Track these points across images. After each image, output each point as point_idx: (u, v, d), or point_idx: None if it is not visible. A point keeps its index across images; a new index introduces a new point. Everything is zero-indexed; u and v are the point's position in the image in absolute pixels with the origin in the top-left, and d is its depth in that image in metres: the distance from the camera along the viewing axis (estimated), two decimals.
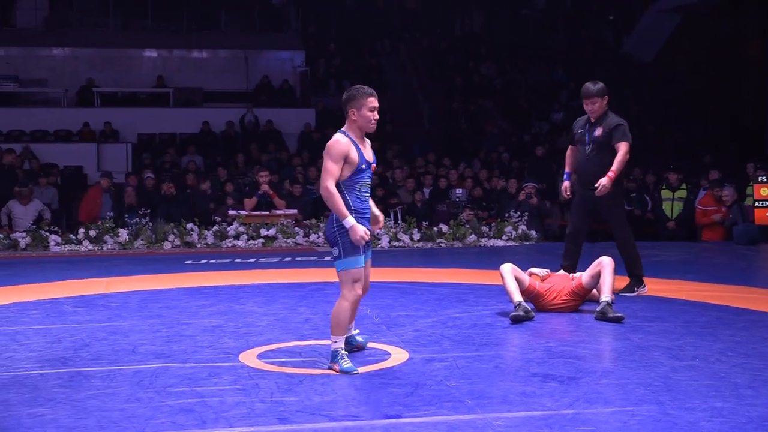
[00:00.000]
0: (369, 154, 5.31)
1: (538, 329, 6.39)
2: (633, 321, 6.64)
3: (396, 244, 12.82)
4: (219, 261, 11.07)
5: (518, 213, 13.47)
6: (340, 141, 5.17)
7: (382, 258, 11.50)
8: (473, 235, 13.05)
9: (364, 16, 24.41)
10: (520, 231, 13.19)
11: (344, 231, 5.12)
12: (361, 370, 5.16)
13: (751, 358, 5.41)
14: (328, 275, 9.34)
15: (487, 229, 13.28)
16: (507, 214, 13.61)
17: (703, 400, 4.50)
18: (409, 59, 23.03)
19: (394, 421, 4.21)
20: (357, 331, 5.80)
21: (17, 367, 5.30)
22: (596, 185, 7.50)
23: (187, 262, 11.09)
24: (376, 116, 5.27)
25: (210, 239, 12.66)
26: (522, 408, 4.38)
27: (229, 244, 12.58)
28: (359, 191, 5.24)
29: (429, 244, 12.88)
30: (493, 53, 23.49)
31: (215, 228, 12.81)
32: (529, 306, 6.83)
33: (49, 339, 6.15)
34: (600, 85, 7.73)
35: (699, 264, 10.54)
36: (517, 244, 12.96)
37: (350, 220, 5.09)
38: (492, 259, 11.28)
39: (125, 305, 7.63)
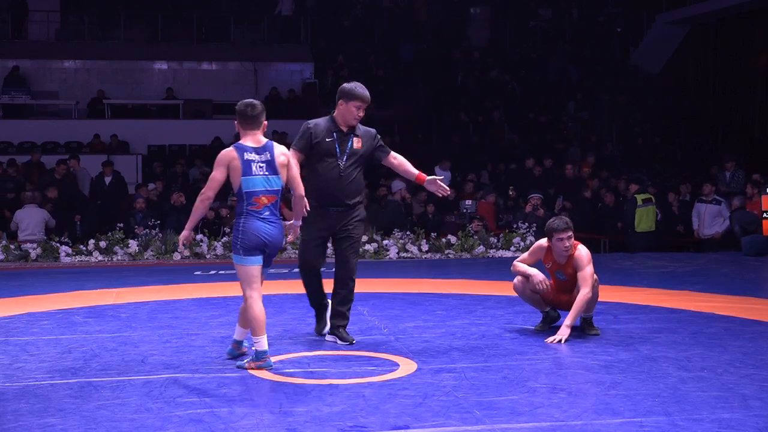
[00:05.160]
0: None
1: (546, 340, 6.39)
2: (641, 332, 6.64)
3: (404, 255, 12.84)
4: (228, 272, 11.07)
5: (526, 224, 13.48)
6: None
7: (390, 269, 11.52)
8: (481, 246, 13.07)
9: (372, 27, 24.49)
10: (528, 242, 13.20)
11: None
12: (371, 380, 5.17)
13: (759, 369, 5.40)
14: None
15: (495, 240, 13.30)
16: (515, 225, 13.63)
17: (711, 411, 4.50)
18: (418, 71, 23.07)
19: (402, 431, 4.22)
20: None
21: (28, 378, 5.33)
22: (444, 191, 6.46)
23: (196, 272, 11.13)
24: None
25: (219, 250, 12.70)
26: (530, 419, 4.39)
27: None
28: None
29: (437, 255, 12.90)
30: (501, 64, 23.54)
31: (225, 239, 12.85)
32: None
33: (59, 349, 6.18)
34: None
35: (707, 275, 10.52)
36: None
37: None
38: (500, 270, 11.29)
39: (135, 316, 7.66)
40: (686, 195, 15.83)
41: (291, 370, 5.47)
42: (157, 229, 12.98)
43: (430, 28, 24.63)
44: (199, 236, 12.83)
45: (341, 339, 6.37)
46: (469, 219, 14.15)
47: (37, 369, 5.57)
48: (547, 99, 22.13)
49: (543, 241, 6.73)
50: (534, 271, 6.68)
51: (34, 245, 12.65)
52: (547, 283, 6.66)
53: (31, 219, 13.47)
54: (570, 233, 6.53)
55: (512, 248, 13.12)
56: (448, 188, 6.55)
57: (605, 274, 9.50)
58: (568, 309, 6.56)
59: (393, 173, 16.59)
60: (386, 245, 12.91)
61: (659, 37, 24.12)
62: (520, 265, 6.80)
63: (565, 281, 6.69)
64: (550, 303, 6.82)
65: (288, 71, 22.71)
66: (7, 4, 22.39)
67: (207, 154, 18.54)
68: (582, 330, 6.62)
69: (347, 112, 6.34)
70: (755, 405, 4.60)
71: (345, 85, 6.45)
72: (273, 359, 5.75)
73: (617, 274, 10.30)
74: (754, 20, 22.11)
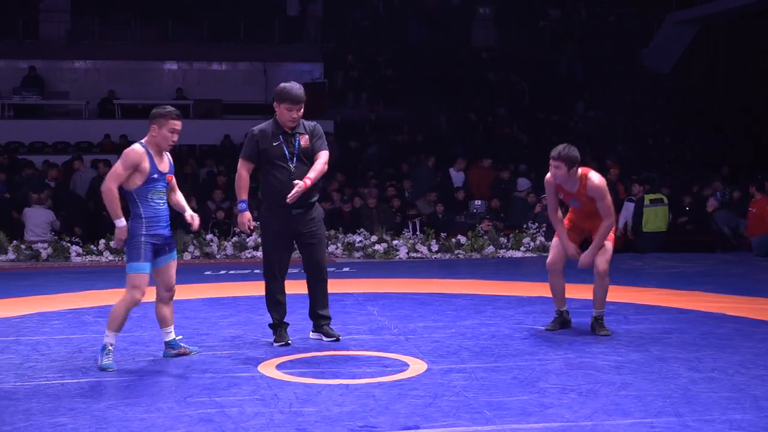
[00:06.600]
0: (164, 166, 5.77)
1: (556, 340, 6.39)
2: (652, 332, 6.63)
3: (414, 255, 12.84)
4: (238, 272, 11.12)
5: (536, 224, 13.47)
6: (135, 150, 5.69)
7: (400, 269, 11.53)
8: (491, 246, 13.06)
9: (381, 28, 24.53)
10: (537, 242, 13.18)
11: (131, 239, 5.61)
12: (381, 380, 5.18)
13: None
14: (347, 286, 9.39)
15: (505, 240, 13.29)
16: (525, 225, 13.61)
17: (722, 412, 4.48)
18: (426, 70, 23.07)
19: (412, 431, 4.22)
20: (180, 336, 6.06)
21: (39, 377, 5.35)
22: (290, 198, 6.12)
23: (206, 272, 11.15)
24: (175, 138, 5.77)
25: (229, 250, 12.73)
26: (540, 419, 4.38)
27: (249, 255, 12.63)
28: (151, 200, 5.68)
29: (447, 255, 12.89)
30: (510, 64, 23.52)
31: (235, 239, 12.87)
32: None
33: (70, 349, 6.21)
34: (302, 88, 6.41)
35: (717, 275, 10.49)
36: (534, 255, 12.95)
37: (121, 221, 5.58)
38: (510, 270, 11.30)
39: (145, 316, 7.65)
40: (697, 194, 15.78)
41: (301, 370, 5.47)
42: None
43: (440, 26, 24.64)
44: (209, 236, 12.85)
45: (327, 335, 6.43)
46: (479, 219, 14.14)
47: (48, 368, 5.59)
48: (556, 99, 22.10)
49: (548, 176, 6.65)
50: (567, 244, 6.62)
51: (45, 245, 12.68)
52: (579, 253, 6.62)
53: (37, 219, 13.48)
54: (558, 163, 6.40)
55: (522, 248, 13.10)
56: (293, 195, 6.13)
57: (615, 275, 9.48)
58: (589, 235, 6.66)
59: (402, 174, 16.68)
60: (396, 245, 12.91)
61: (669, 38, 24.07)
62: (559, 228, 6.71)
63: (580, 207, 6.64)
64: (575, 239, 6.72)
65: (297, 71, 22.70)
66: (18, 4, 22.47)
67: (217, 154, 18.61)
68: (592, 330, 6.62)
69: (281, 114, 6.28)
70: (766, 406, 4.58)
71: (280, 85, 6.37)
72: (283, 359, 5.77)
73: (627, 275, 10.28)
74: (763, 20, 22.03)
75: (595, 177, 6.49)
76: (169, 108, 5.81)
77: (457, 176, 15.99)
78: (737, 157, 19.68)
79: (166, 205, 5.80)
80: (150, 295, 5.93)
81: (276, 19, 23.58)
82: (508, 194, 15.59)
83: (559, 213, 6.77)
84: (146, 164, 5.64)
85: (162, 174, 5.72)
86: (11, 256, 12.57)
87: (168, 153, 5.87)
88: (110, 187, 5.58)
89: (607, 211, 6.46)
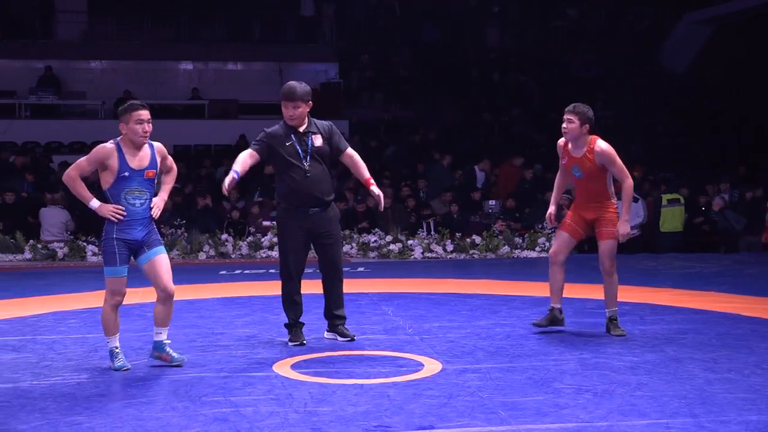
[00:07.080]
0: (139, 162, 5.56)
1: (571, 340, 6.37)
2: (667, 333, 6.60)
3: (429, 255, 12.84)
4: (253, 271, 11.14)
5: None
6: (103, 146, 5.55)
7: (414, 269, 11.52)
8: (506, 247, 13.04)
9: (396, 28, 24.55)
10: (552, 242, 13.15)
11: (103, 242, 5.54)
12: (396, 380, 5.18)
13: None
14: (362, 286, 9.40)
15: (520, 241, 13.26)
16: (540, 225, 13.58)
17: (738, 413, 4.46)
18: (441, 70, 23.06)
19: (427, 431, 4.22)
20: (168, 341, 5.72)
21: (55, 376, 5.38)
22: (383, 201, 6.42)
23: (221, 272, 11.17)
24: (146, 128, 5.57)
25: (244, 250, 12.75)
26: (555, 420, 4.37)
27: (264, 255, 12.66)
28: (126, 200, 5.52)
29: (462, 256, 12.88)
30: (525, 64, 23.47)
31: (250, 239, 12.90)
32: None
33: (86, 348, 6.24)
34: (306, 87, 6.42)
35: (732, 276, 10.43)
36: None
37: (94, 202, 5.50)
38: (525, 270, 11.28)
39: None
40: (712, 195, 15.72)
41: (316, 370, 5.48)
42: (182, 228, 13.03)
43: (455, 26, 24.64)
44: (224, 236, 12.88)
45: (342, 335, 6.45)
46: (494, 219, 14.11)
47: (64, 367, 5.62)
48: (571, 99, 21.99)
49: (561, 140, 6.71)
50: (552, 205, 6.80)
51: (61, 244, 12.75)
52: (554, 221, 6.76)
53: (52, 219, 13.54)
54: (572, 116, 6.50)
55: (537, 248, 13.07)
56: (382, 203, 6.44)
57: (630, 274, 9.46)
58: (593, 230, 6.59)
59: (417, 174, 16.68)
60: (411, 245, 12.91)
61: (684, 37, 23.96)
62: (555, 193, 6.86)
63: (583, 178, 6.56)
64: (579, 231, 6.65)
65: (313, 71, 22.72)
66: (35, 5, 22.58)
67: (233, 154, 18.64)
68: (607, 331, 6.60)
69: (283, 111, 6.34)
70: None
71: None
72: (298, 359, 5.78)
73: (642, 275, 10.25)
74: None
75: (603, 143, 6.53)
76: (131, 101, 5.72)
77: (480, 175, 15.96)
78: (753, 158, 19.57)
79: (145, 204, 5.57)
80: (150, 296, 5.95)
81: (291, 20, 23.62)
82: (532, 194, 15.54)
83: (566, 180, 6.83)
84: (114, 161, 5.48)
85: (136, 171, 5.52)
86: (28, 255, 12.65)
87: (154, 145, 5.69)
88: (70, 174, 5.51)
89: (622, 174, 6.47)
